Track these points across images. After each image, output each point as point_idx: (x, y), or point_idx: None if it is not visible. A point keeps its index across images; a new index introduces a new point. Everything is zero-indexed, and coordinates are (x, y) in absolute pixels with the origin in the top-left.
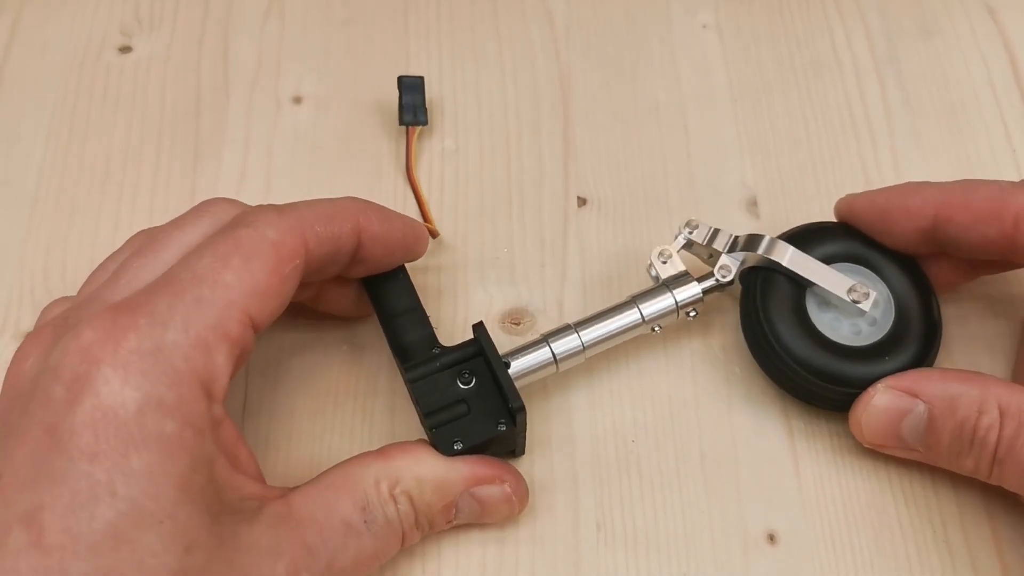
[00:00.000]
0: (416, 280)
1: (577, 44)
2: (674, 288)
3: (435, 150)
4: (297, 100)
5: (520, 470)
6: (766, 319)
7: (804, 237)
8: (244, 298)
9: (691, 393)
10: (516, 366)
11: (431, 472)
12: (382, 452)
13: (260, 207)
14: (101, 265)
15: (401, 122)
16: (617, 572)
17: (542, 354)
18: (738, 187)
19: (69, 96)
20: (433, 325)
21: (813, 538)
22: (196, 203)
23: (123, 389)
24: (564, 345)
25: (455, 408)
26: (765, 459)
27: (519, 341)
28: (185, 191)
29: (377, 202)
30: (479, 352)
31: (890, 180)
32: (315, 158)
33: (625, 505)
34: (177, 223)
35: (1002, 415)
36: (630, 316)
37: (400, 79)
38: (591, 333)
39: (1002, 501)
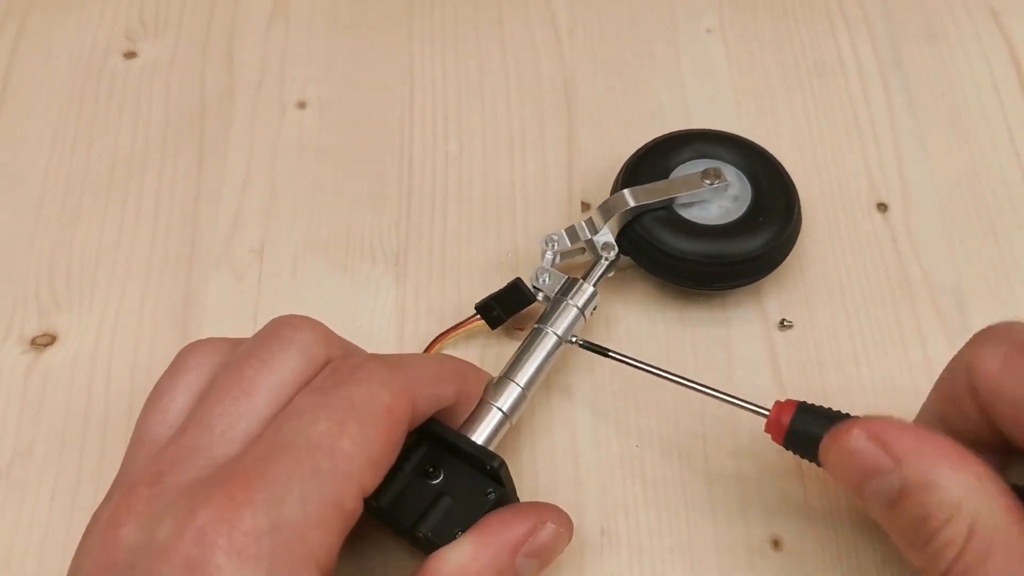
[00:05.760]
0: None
1: (581, 48)
2: (571, 297)
3: (439, 153)
4: (301, 105)
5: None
6: (658, 243)
7: (648, 159)
8: (361, 469)
9: (695, 396)
10: (474, 438)
11: (477, 563)
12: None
13: (367, 359)
14: (160, 389)
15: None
16: None
17: (492, 416)
18: None
19: (74, 101)
20: None
21: (818, 544)
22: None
23: None
24: (508, 399)
25: (439, 504)
26: (769, 464)
27: None
28: (189, 195)
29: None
30: (430, 444)
31: (894, 184)
32: (319, 163)
33: (629, 510)
34: (262, 357)
35: (970, 534)
36: (549, 340)
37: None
38: (525, 375)
39: None
